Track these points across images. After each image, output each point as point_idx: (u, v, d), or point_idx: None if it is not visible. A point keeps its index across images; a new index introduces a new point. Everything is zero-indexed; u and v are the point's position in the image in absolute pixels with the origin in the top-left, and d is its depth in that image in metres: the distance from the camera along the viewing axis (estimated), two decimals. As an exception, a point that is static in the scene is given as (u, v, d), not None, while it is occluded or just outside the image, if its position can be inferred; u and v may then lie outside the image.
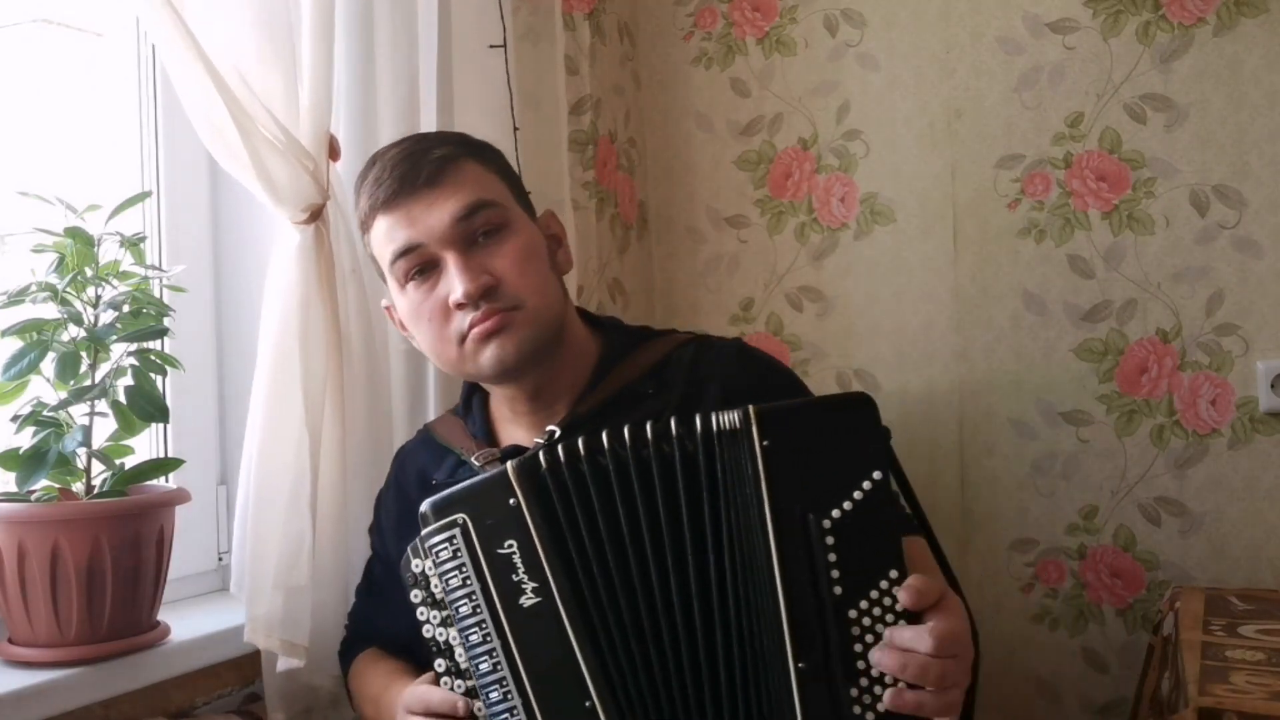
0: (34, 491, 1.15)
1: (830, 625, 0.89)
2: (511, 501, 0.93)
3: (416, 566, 0.97)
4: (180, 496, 1.24)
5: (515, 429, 1.17)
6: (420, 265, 1.08)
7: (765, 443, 0.90)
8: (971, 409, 1.95)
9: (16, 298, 1.14)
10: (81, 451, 1.16)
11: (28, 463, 1.13)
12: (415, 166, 1.08)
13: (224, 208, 1.50)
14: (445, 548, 0.94)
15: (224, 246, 1.50)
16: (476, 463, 1.12)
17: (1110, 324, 1.87)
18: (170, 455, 1.40)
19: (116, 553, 1.14)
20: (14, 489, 1.14)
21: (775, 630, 0.89)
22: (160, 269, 1.33)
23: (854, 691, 0.89)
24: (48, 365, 1.15)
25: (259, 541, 1.25)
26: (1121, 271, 1.86)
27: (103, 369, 1.18)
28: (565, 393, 1.14)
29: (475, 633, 0.93)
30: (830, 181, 2.07)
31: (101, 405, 1.17)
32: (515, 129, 1.64)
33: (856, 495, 0.90)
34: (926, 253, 1.99)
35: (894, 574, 0.89)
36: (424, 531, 0.95)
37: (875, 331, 2.04)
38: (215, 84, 1.16)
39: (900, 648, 0.88)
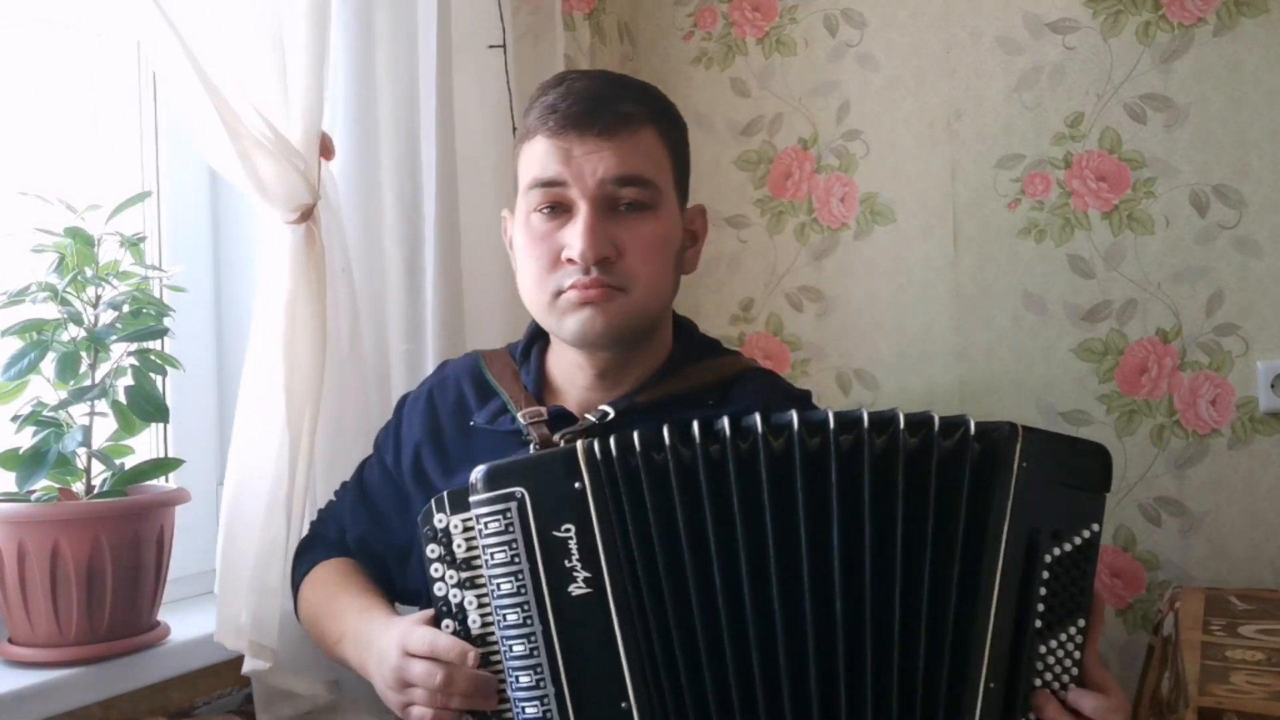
0: (34, 491, 1.15)
1: (1024, 654, 0.90)
2: (576, 485, 0.89)
3: (440, 521, 0.92)
4: (180, 496, 1.24)
5: (569, 391, 1.13)
6: (555, 202, 1.05)
7: (1024, 464, 0.90)
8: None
9: (16, 298, 1.14)
10: (81, 451, 1.16)
11: (28, 463, 1.13)
12: (597, 111, 1.03)
13: (224, 208, 1.50)
14: (496, 520, 0.89)
15: (224, 246, 1.50)
16: (522, 420, 1.08)
17: (1110, 324, 1.87)
18: (170, 455, 1.40)
19: (116, 553, 1.14)
20: (14, 489, 1.14)
21: (967, 646, 0.89)
22: (160, 269, 1.33)
23: None
24: (48, 365, 1.15)
25: (236, 543, 1.24)
26: (1121, 271, 1.86)
27: (103, 369, 1.18)
28: (629, 380, 1.11)
29: (515, 613, 0.88)
30: (830, 181, 2.07)
31: (101, 405, 1.17)
32: (514, 129, 1.64)
33: (1077, 540, 0.91)
34: (926, 253, 1.99)
35: (1081, 623, 0.92)
36: (474, 499, 0.90)
37: (875, 331, 2.04)
38: (203, 83, 1.15)
39: (1084, 714, 0.90)
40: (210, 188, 1.49)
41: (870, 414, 0.91)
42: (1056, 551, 0.91)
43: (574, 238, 1.02)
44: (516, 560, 0.89)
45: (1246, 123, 1.78)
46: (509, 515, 0.89)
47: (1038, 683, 0.90)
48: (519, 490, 0.89)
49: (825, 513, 0.89)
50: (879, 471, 0.90)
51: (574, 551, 0.88)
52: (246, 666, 1.24)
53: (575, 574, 0.88)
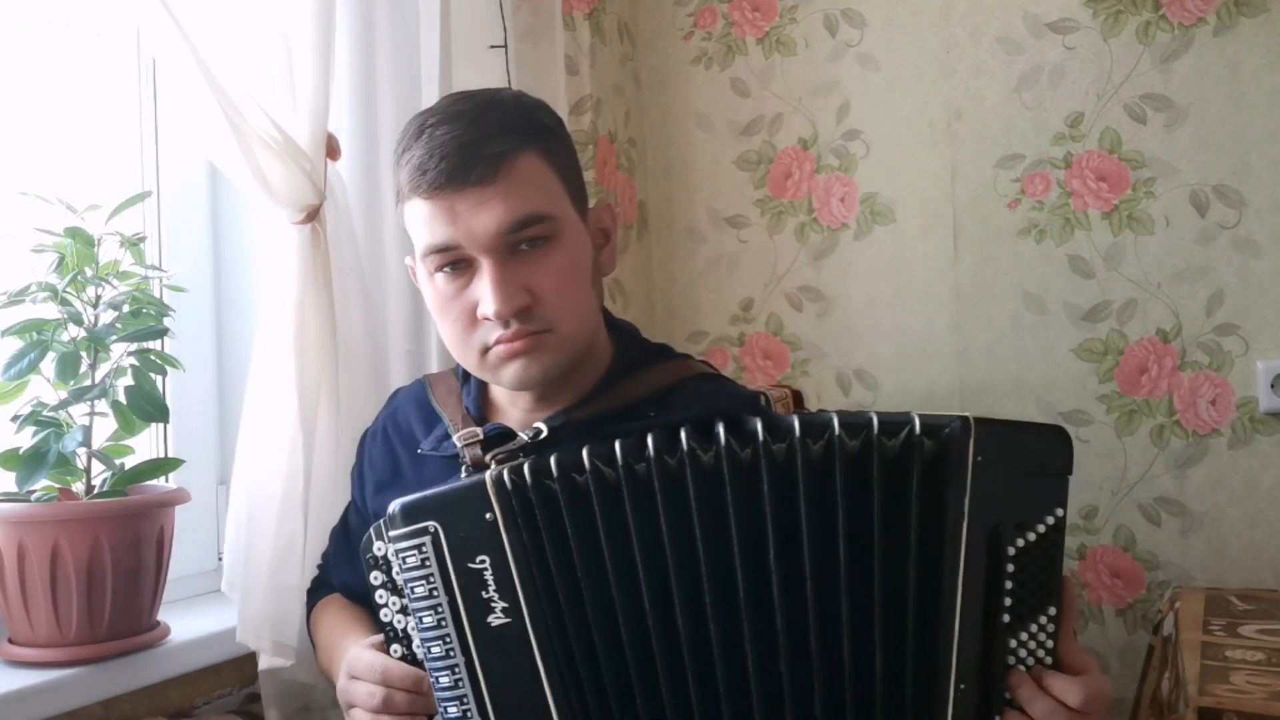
0: (34, 491, 1.15)
1: (994, 651, 0.88)
2: (488, 516, 0.88)
3: (379, 549, 0.93)
4: (180, 496, 1.24)
5: (510, 410, 1.10)
6: (454, 261, 1.00)
7: (979, 458, 0.87)
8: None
9: (16, 298, 1.14)
10: (81, 451, 1.16)
11: (28, 463, 1.13)
12: (468, 161, 0.96)
13: (224, 208, 1.50)
14: (413, 554, 0.89)
15: (224, 246, 1.50)
16: (458, 443, 1.04)
17: (1110, 324, 1.87)
18: (170, 455, 1.40)
19: (116, 553, 1.14)
20: (14, 489, 1.14)
21: (933, 649, 0.87)
22: (160, 269, 1.33)
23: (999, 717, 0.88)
24: (48, 365, 1.14)
25: (253, 542, 1.24)
26: (1121, 271, 1.86)
27: (103, 369, 1.18)
28: (568, 393, 1.07)
29: (438, 645, 0.89)
30: (830, 181, 2.07)
31: (101, 405, 1.17)
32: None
33: (1041, 528, 0.88)
34: (926, 253, 1.99)
35: (1052, 610, 0.89)
36: (391, 534, 0.90)
37: (875, 331, 2.04)
38: (209, 83, 1.16)
39: (1051, 694, 0.87)
40: (210, 188, 1.49)
41: (802, 420, 0.89)
42: (1021, 543, 0.88)
43: (484, 295, 0.97)
44: (435, 594, 0.88)
45: (1246, 123, 1.78)
46: (424, 550, 0.89)
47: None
48: (432, 524, 0.89)
49: (759, 526, 0.87)
50: (815, 479, 0.87)
51: (490, 582, 0.88)
52: (263, 664, 1.25)
53: (493, 605, 0.88)
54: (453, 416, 1.10)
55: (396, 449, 1.15)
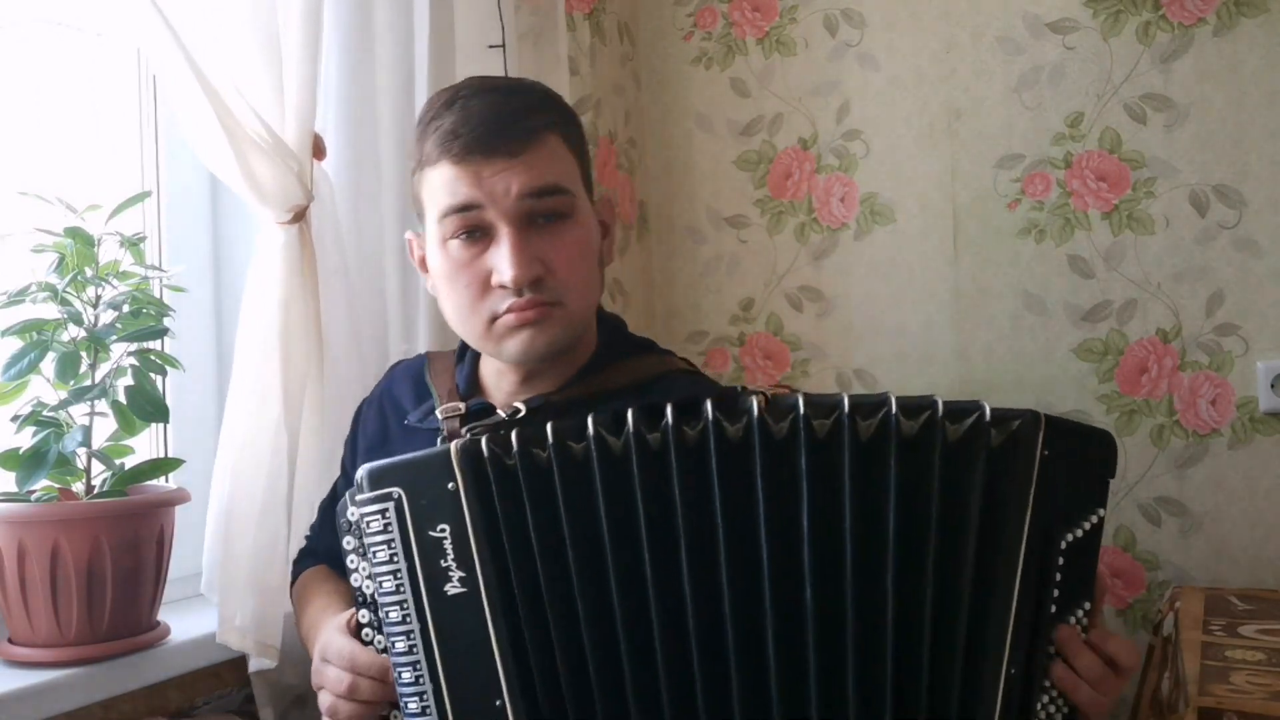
0: (34, 491, 1.15)
1: (1040, 639, 0.90)
2: (450, 485, 0.89)
3: (352, 514, 0.93)
4: (180, 496, 1.24)
5: (496, 391, 1.12)
6: (472, 226, 1.02)
7: (1046, 451, 0.89)
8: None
9: (16, 298, 1.14)
10: (81, 451, 1.16)
11: (28, 463, 1.13)
12: (501, 131, 1.00)
13: (224, 208, 1.50)
14: (377, 519, 0.90)
15: (224, 246, 1.50)
16: (439, 416, 1.08)
17: (1110, 324, 1.87)
18: (170, 455, 1.40)
19: (116, 553, 1.14)
20: (14, 489, 1.14)
21: (985, 632, 0.88)
22: (160, 269, 1.33)
23: (1040, 702, 0.90)
24: (48, 365, 1.14)
25: (232, 543, 1.24)
26: (1121, 271, 1.86)
27: (103, 369, 1.17)
28: (552, 377, 1.09)
29: (395, 610, 0.89)
30: (830, 181, 2.07)
31: (101, 405, 1.17)
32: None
33: (1086, 525, 0.91)
34: (926, 253, 1.99)
35: (1087, 605, 0.92)
36: (358, 498, 0.91)
37: (875, 331, 2.04)
38: (201, 85, 1.15)
39: (1106, 650, 0.90)
40: (210, 188, 1.49)
41: (851, 398, 0.89)
42: (1070, 538, 0.90)
43: (501, 262, 1.00)
44: (395, 559, 0.89)
45: (1246, 123, 1.78)
46: (387, 515, 0.89)
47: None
48: (396, 491, 0.89)
49: (793, 509, 0.87)
50: (863, 460, 0.87)
51: (449, 551, 0.89)
52: (252, 666, 1.25)
53: (450, 573, 0.89)
54: (441, 391, 1.12)
55: (388, 418, 1.17)
